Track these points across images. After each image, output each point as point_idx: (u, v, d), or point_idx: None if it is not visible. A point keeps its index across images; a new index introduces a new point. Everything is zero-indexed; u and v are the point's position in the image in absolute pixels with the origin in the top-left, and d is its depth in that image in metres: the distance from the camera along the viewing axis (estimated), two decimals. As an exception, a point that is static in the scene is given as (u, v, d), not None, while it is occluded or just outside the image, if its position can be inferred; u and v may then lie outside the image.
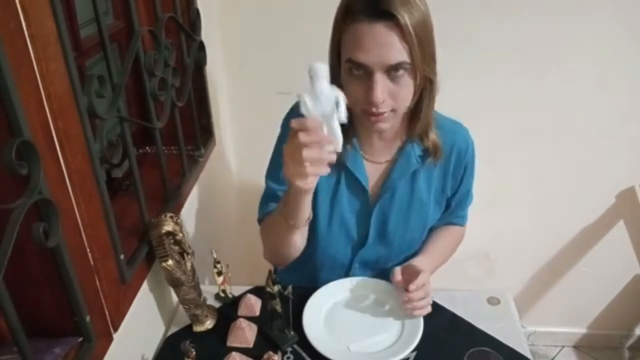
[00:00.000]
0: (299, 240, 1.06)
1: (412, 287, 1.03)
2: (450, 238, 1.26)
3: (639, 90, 1.64)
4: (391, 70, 0.89)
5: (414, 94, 0.95)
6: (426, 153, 1.08)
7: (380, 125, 0.96)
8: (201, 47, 1.36)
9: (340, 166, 1.08)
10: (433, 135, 1.06)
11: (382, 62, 0.87)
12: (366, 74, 0.90)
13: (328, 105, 0.80)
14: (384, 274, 1.18)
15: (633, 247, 1.94)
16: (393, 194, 1.10)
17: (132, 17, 0.98)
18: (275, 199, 1.12)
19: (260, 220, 1.18)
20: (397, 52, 0.87)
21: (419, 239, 1.20)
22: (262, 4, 1.58)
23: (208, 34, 1.41)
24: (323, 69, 0.78)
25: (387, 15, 0.85)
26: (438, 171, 1.13)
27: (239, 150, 1.82)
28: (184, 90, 1.23)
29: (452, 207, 1.21)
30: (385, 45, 0.86)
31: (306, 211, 0.97)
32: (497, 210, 1.83)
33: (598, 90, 1.64)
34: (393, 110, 0.94)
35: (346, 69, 0.92)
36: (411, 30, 0.85)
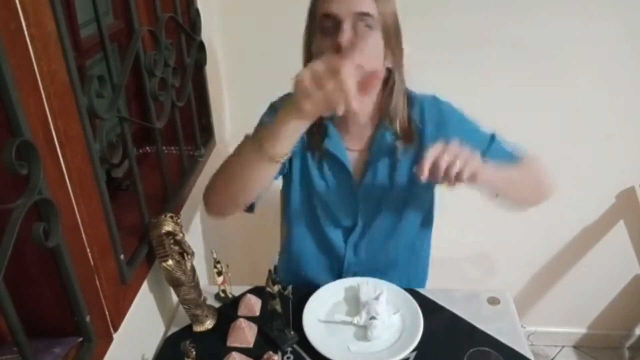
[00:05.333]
0: (265, 179, 0.97)
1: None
2: (517, 167, 1.09)
3: (638, 90, 1.64)
4: (358, 21, 0.94)
5: (383, 61, 1.00)
6: (397, 136, 1.09)
7: None
8: (201, 47, 1.36)
9: (322, 154, 1.11)
10: (403, 119, 1.07)
11: (349, 9, 0.94)
12: (336, 26, 0.95)
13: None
14: (381, 269, 1.19)
15: (633, 247, 1.94)
16: (375, 174, 1.12)
17: (132, 17, 0.98)
18: None
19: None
20: (365, 3, 0.94)
21: (415, 223, 1.19)
22: (262, 4, 1.58)
23: (208, 34, 1.41)
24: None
25: None
26: (422, 148, 1.09)
27: (239, 150, 1.82)
28: (184, 90, 1.23)
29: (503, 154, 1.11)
30: None
31: (293, 144, 0.89)
32: (497, 210, 1.83)
33: (598, 90, 1.64)
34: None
35: (319, 28, 0.98)
36: None
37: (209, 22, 1.44)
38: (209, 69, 1.45)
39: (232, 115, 1.76)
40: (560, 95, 1.65)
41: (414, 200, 1.16)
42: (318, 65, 0.77)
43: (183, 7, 1.26)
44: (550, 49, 1.58)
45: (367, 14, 0.94)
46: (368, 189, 1.13)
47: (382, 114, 1.08)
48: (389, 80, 1.05)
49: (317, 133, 1.10)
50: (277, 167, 0.92)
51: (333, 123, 1.11)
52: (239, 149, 0.98)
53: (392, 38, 0.99)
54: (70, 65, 0.74)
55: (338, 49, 0.95)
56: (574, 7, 1.51)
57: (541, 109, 1.68)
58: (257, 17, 1.60)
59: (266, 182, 0.98)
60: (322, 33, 0.98)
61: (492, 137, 1.13)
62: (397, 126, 1.08)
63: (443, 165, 0.83)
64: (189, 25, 1.29)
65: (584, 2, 1.51)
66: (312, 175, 1.14)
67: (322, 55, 0.94)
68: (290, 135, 0.87)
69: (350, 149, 1.13)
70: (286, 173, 1.17)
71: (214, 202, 1.08)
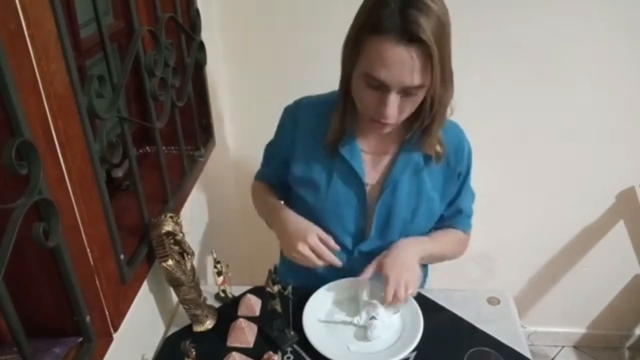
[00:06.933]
0: None
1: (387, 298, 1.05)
2: (450, 236, 1.22)
3: (638, 90, 1.64)
4: (407, 91, 0.91)
5: (423, 110, 0.99)
6: (426, 158, 1.10)
7: (382, 131, 1.00)
8: (201, 47, 1.36)
9: (335, 156, 1.09)
10: (438, 147, 1.08)
11: (402, 84, 0.89)
12: (382, 88, 0.91)
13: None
14: None
15: (633, 247, 1.94)
16: (395, 188, 1.10)
17: (132, 17, 0.98)
18: (266, 177, 1.28)
19: (254, 179, 1.32)
20: (419, 76, 0.88)
21: (424, 230, 1.19)
22: (262, 4, 1.58)
23: (208, 34, 1.41)
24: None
25: (418, 41, 0.84)
26: (439, 169, 1.12)
27: (239, 150, 1.82)
28: (184, 90, 1.23)
29: (455, 208, 1.20)
30: (409, 68, 0.87)
31: None
32: (497, 210, 1.83)
33: (598, 90, 1.64)
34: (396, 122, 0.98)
35: (363, 79, 0.92)
36: (437, 59, 0.86)
37: (209, 22, 1.44)
38: (209, 69, 1.45)
39: (232, 115, 1.77)
40: (560, 95, 1.65)
41: (432, 215, 1.16)
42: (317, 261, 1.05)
43: (183, 7, 1.26)
44: (550, 49, 1.58)
45: (418, 87, 0.90)
46: (387, 199, 1.11)
47: (421, 146, 1.07)
48: (432, 118, 1.01)
49: (333, 135, 1.08)
50: None
51: (354, 128, 1.09)
52: (264, 202, 1.24)
53: (444, 91, 0.95)
54: (70, 65, 0.74)
55: (382, 115, 0.93)
56: (574, 7, 1.51)
57: (541, 109, 1.68)
58: (257, 17, 1.60)
59: None
60: (366, 85, 0.93)
61: (474, 197, 1.24)
62: (433, 152, 1.07)
63: (402, 295, 1.04)
64: (189, 25, 1.29)
65: (583, 3, 1.51)
66: (317, 179, 1.12)
67: (365, 105, 0.97)
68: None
69: (372, 153, 1.11)
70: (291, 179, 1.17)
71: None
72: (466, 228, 1.24)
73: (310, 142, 1.12)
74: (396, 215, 1.12)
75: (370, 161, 1.11)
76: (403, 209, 1.12)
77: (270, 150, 1.25)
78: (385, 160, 1.12)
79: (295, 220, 1.11)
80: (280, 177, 1.21)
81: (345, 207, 1.13)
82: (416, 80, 0.88)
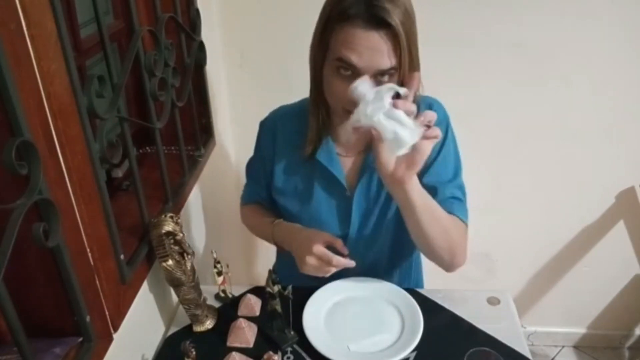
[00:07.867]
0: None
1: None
2: (449, 217, 1.03)
3: (638, 90, 1.64)
4: (378, 75, 0.91)
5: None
6: None
7: None
8: (201, 47, 1.36)
9: (313, 163, 1.09)
10: None
11: (373, 67, 0.89)
12: (354, 75, 0.91)
13: (384, 101, 0.81)
14: (377, 269, 1.19)
15: (633, 247, 1.94)
16: (370, 179, 1.10)
17: (132, 17, 0.98)
18: (256, 195, 1.25)
19: (243, 203, 1.30)
20: (389, 58, 0.89)
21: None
22: (262, 4, 1.58)
23: (208, 34, 1.41)
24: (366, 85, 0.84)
25: (384, 24, 0.86)
26: None
27: (239, 150, 1.82)
28: (184, 90, 1.23)
29: (431, 186, 1.04)
30: (379, 51, 0.88)
31: None
32: (497, 210, 1.83)
33: (598, 90, 1.64)
34: None
35: (334, 67, 0.93)
36: (404, 40, 0.88)
37: (209, 22, 1.44)
38: (209, 69, 1.45)
39: (232, 115, 1.77)
40: (560, 95, 1.65)
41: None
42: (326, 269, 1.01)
43: (183, 7, 1.26)
44: (550, 49, 1.58)
45: (389, 70, 0.90)
46: (363, 192, 1.11)
47: None
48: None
49: (310, 144, 1.09)
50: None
51: (332, 133, 1.09)
52: (260, 223, 1.23)
53: (411, 60, 0.93)
54: (70, 65, 0.74)
55: (354, 105, 0.89)
56: (574, 7, 1.52)
57: (541, 109, 1.68)
58: (257, 17, 1.60)
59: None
60: (337, 74, 0.93)
61: (458, 179, 1.10)
62: None
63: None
64: (189, 25, 1.29)
65: (584, 2, 1.51)
66: (298, 185, 1.13)
67: (336, 97, 0.95)
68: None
69: (347, 155, 1.11)
70: (273, 187, 1.17)
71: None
72: (462, 215, 1.07)
73: (289, 152, 1.13)
74: (373, 205, 1.12)
75: (348, 163, 1.11)
76: (380, 201, 1.11)
77: (254, 166, 1.24)
78: (360, 158, 1.11)
79: (298, 234, 1.09)
80: (270, 191, 1.20)
81: (329, 212, 1.13)
82: (387, 62, 0.89)
